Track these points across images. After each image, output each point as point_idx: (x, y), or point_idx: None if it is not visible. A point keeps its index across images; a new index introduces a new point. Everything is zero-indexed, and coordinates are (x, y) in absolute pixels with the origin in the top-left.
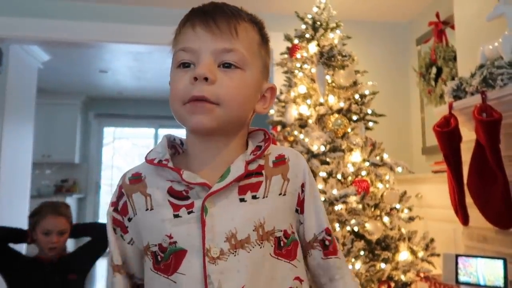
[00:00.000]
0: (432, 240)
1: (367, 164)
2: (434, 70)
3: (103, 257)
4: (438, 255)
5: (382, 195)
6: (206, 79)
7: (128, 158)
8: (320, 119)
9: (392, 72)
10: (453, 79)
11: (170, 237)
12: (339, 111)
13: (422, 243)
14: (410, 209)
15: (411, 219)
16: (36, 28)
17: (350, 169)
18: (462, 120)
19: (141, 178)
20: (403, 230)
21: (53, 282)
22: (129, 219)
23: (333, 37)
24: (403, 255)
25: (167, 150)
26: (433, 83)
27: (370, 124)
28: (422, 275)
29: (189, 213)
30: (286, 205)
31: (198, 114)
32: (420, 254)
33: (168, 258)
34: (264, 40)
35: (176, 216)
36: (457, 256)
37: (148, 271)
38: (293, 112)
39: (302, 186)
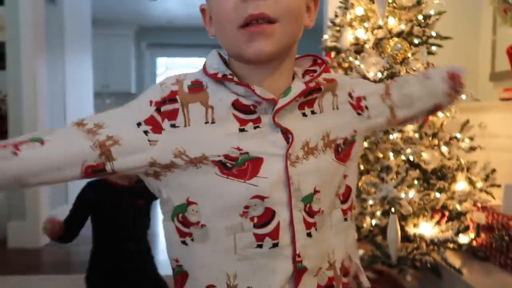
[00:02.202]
0: (493, 171)
1: None
2: None
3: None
4: (499, 186)
5: (442, 124)
6: None
7: None
8: (378, 43)
9: None
10: None
11: (239, 149)
12: (399, 34)
13: (482, 174)
14: (471, 138)
15: (472, 149)
16: None
17: None
18: None
19: (202, 88)
20: (462, 160)
21: (124, 206)
22: (173, 126)
23: None
24: (460, 185)
25: (224, 66)
26: None
27: (433, 48)
28: (479, 205)
29: (255, 127)
30: (343, 117)
31: (256, 42)
32: (479, 184)
33: (243, 164)
34: None
35: (241, 130)
36: None
37: (210, 176)
38: (348, 37)
39: (350, 95)
